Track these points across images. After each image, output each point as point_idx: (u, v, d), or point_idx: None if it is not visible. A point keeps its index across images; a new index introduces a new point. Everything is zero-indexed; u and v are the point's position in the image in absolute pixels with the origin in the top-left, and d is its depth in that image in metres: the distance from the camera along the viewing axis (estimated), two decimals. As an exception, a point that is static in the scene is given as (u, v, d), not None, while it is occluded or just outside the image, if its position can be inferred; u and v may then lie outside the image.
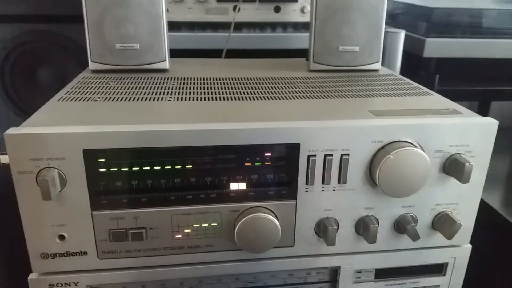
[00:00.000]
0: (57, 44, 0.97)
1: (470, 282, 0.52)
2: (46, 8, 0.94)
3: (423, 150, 0.43)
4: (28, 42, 0.96)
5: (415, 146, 0.43)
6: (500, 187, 0.64)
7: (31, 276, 0.45)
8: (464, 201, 0.47)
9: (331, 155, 0.43)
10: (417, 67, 0.96)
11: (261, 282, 0.49)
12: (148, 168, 0.42)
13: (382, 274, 0.50)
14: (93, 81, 0.58)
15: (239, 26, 0.86)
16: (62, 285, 0.45)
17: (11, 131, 0.39)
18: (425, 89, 0.58)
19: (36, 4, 0.93)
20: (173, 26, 0.82)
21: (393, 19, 1.13)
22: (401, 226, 0.47)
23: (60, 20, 0.95)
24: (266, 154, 0.43)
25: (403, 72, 0.84)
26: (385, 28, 0.68)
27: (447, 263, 0.50)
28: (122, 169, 0.42)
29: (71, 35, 0.96)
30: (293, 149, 0.43)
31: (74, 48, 0.96)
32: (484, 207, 0.56)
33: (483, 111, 1.25)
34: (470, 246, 0.50)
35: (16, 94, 0.99)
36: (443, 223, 0.47)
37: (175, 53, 0.67)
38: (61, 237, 0.43)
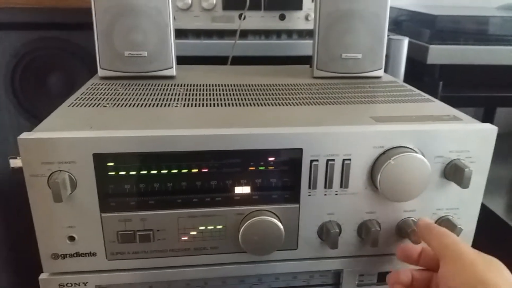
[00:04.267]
0: (66, 51, 0.99)
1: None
2: (55, 15, 0.96)
3: (424, 156, 0.44)
4: (37, 49, 0.98)
5: (416, 152, 0.44)
6: (502, 192, 0.65)
7: (42, 276, 0.46)
8: (464, 206, 0.48)
9: (333, 160, 0.44)
10: (421, 74, 0.97)
11: (265, 284, 0.50)
12: (155, 171, 0.43)
13: (384, 277, 0.51)
14: (102, 88, 0.59)
15: (245, 33, 0.87)
16: (71, 285, 0.46)
17: (24, 135, 0.41)
18: (427, 96, 0.59)
19: (45, 11, 0.95)
20: (180, 33, 0.84)
21: (397, 26, 1.14)
22: (403, 230, 0.47)
23: (69, 28, 0.97)
24: (270, 159, 0.45)
25: (407, 78, 0.85)
26: (389, 35, 0.69)
27: (448, 267, 0.51)
28: (131, 172, 0.43)
29: (79, 42, 0.98)
30: (296, 154, 0.44)
31: (82, 54, 0.98)
32: (485, 212, 0.57)
33: (488, 117, 1.25)
34: (471, 250, 0.51)
35: (26, 100, 1.01)
36: (445, 228, 0.47)
37: (181, 60, 0.69)
38: (71, 238, 0.44)
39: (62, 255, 0.45)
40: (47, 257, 0.45)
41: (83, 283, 0.46)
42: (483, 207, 0.56)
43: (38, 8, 0.94)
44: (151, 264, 0.46)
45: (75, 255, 0.45)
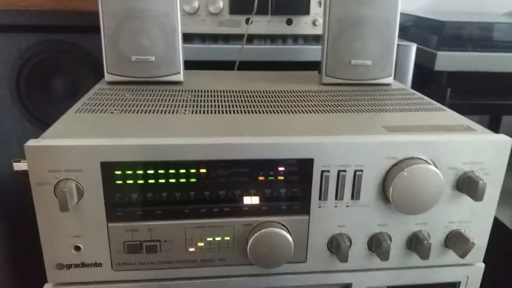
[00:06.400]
0: (72, 54, 0.99)
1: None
2: (61, 18, 0.95)
3: (437, 167, 0.43)
4: (42, 52, 0.97)
5: (429, 163, 0.43)
6: (510, 203, 0.64)
7: (46, 286, 0.45)
8: (477, 219, 0.47)
9: (345, 170, 0.44)
10: (428, 80, 0.96)
11: (272, 296, 0.49)
12: (163, 181, 0.43)
13: (394, 290, 0.50)
14: (109, 93, 0.58)
15: (250, 38, 0.86)
16: (76, 296, 0.45)
17: (31, 142, 0.40)
18: (438, 105, 0.58)
19: (51, 14, 0.95)
20: (186, 37, 0.83)
21: (404, 32, 1.13)
22: (414, 243, 0.47)
23: (75, 31, 0.97)
24: (280, 169, 0.44)
25: (414, 85, 0.84)
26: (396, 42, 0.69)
27: (459, 282, 0.50)
28: (138, 181, 0.42)
29: (84, 45, 0.98)
30: (307, 164, 0.43)
31: (88, 58, 0.98)
32: (498, 225, 0.56)
33: (494, 125, 1.24)
34: (483, 265, 0.50)
35: (31, 103, 1.00)
36: (456, 241, 0.47)
37: (188, 64, 0.68)
38: (77, 248, 0.44)
39: (67, 265, 0.44)
40: (51, 267, 0.44)
41: (88, 293, 0.46)
42: (495, 220, 0.55)
43: (44, 11, 0.94)
44: (157, 275, 0.46)
45: (80, 265, 0.44)
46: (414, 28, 1.13)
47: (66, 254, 0.44)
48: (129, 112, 0.50)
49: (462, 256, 0.46)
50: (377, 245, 0.46)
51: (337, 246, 0.45)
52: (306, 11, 0.87)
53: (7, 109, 0.98)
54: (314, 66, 0.78)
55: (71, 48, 0.98)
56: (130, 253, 0.44)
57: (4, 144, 0.95)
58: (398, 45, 0.83)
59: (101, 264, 0.44)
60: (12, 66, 0.95)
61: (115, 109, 0.51)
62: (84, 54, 0.98)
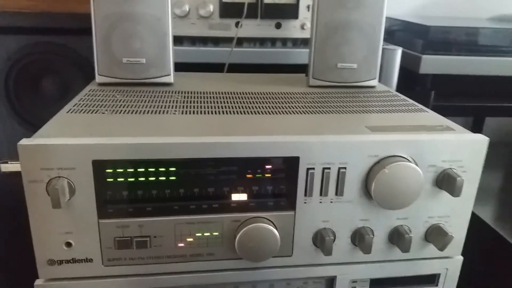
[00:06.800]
0: (62, 56, 0.99)
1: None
2: (51, 20, 0.96)
3: (417, 165, 0.45)
4: (32, 54, 0.98)
5: (409, 161, 0.45)
6: (490, 201, 0.66)
7: (37, 282, 0.46)
8: (455, 214, 0.49)
9: (329, 168, 0.45)
10: (413, 83, 0.99)
11: (260, 290, 0.51)
12: (153, 178, 0.44)
13: (376, 284, 0.52)
14: (100, 94, 0.60)
15: (239, 41, 0.88)
16: (67, 291, 0.46)
17: (24, 141, 0.41)
18: (420, 106, 0.60)
19: (41, 16, 0.95)
20: (177, 40, 0.84)
21: (390, 36, 1.16)
22: (395, 237, 0.48)
23: (65, 33, 0.97)
24: (267, 167, 0.45)
25: (400, 87, 0.87)
26: (382, 45, 0.71)
27: (439, 274, 0.52)
28: (129, 179, 0.44)
29: (75, 47, 0.98)
30: (293, 162, 0.45)
31: (79, 60, 0.98)
32: (475, 220, 0.58)
33: (477, 127, 1.27)
34: (461, 257, 0.52)
35: (20, 104, 1.01)
36: (436, 235, 0.48)
37: (178, 67, 0.70)
38: (68, 244, 0.45)
39: (59, 261, 0.45)
40: (43, 263, 0.45)
41: (79, 289, 0.47)
42: (473, 215, 0.57)
43: (34, 12, 0.95)
44: (147, 270, 0.47)
45: (71, 261, 0.45)
46: (401, 32, 1.16)
47: (58, 250, 0.45)
48: (120, 113, 0.52)
49: (441, 249, 0.48)
50: (360, 239, 0.47)
51: (321, 240, 0.47)
52: (294, 15, 0.89)
53: (-4, 111, 0.98)
54: (302, 68, 0.80)
55: (61, 50, 0.99)
56: (120, 249, 0.45)
57: (-8, 145, 0.95)
58: (384, 48, 0.85)
59: (92, 259, 0.45)
60: (1, 68, 0.95)
61: (106, 110, 0.52)
62: (74, 56, 0.98)
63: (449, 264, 0.52)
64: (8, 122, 1.01)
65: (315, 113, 0.54)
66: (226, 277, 0.48)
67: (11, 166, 0.92)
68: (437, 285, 0.53)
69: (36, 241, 0.44)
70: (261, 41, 0.92)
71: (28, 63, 0.98)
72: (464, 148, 0.47)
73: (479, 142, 0.47)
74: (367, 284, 0.52)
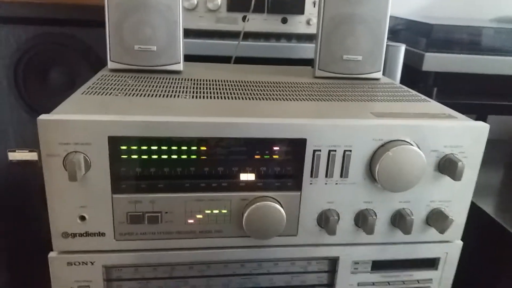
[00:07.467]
0: (70, 47, 1.01)
1: (460, 279, 0.56)
2: (61, 11, 0.98)
3: (420, 149, 0.47)
4: (41, 44, 0.99)
5: (412, 145, 0.47)
6: (491, 193, 0.68)
7: (51, 254, 0.48)
8: (456, 198, 0.51)
9: (335, 150, 0.47)
10: (416, 80, 1.00)
11: (264, 269, 0.52)
12: (166, 156, 0.46)
13: (378, 266, 0.53)
14: (112, 79, 0.61)
15: (245, 36, 0.90)
16: (79, 264, 0.48)
17: (43, 116, 0.43)
18: (423, 97, 0.62)
19: (51, 7, 0.97)
20: (184, 33, 0.86)
21: (395, 35, 1.18)
22: (398, 219, 0.50)
23: (74, 24, 0.99)
24: (275, 148, 0.47)
25: (403, 84, 0.88)
26: (386, 42, 0.73)
27: (439, 258, 0.54)
28: (142, 156, 0.45)
29: (84, 39, 1.00)
30: (300, 143, 0.47)
31: (87, 51, 1.00)
32: (476, 210, 0.60)
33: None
34: (461, 242, 0.53)
35: (28, 93, 1.02)
36: (437, 219, 0.50)
37: (185, 58, 0.71)
38: (82, 218, 0.46)
39: (72, 234, 0.47)
40: (57, 236, 0.47)
41: (91, 262, 0.48)
42: (475, 207, 0.59)
43: (44, 3, 0.96)
44: (157, 245, 0.48)
45: (84, 234, 0.47)
46: (405, 31, 1.18)
47: (72, 224, 0.46)
48: (132, 95, 0.53)
49: (442, 232, 0.49)
50: (363, 220, 0.49)
51: (326, 220, 0.48)
52: (301, 10, 0.91)
53: (4, 100, 1.00)
54: (307, 63, 0.82)
55: (70, 41, 1.00)
56: (132, 224, 0.47)
57: (-1, 134, 0.97)
58: (388, 45, 0.87)
59: (104, 233, 0.47)
60: (11, 57, 0.97)
61: (119, 93, 0.54)
62: (83, 47, 1.00)
63: (449, 248, 0.54)
64: (16, 111, 1.02)
65: (322, 100, 0.56)
66: (233, 254, 0.50)
67: (19, 155, 0.93)
68: (436, 269, 0.55)
69: (52, 214, 0.46)
70: (266, 37, 0.93)
71: (37, 53, 0.99)
72: (465, 134, 0.49)
73: (480, 129, 0.49)
74: (369, 266, 0.53)
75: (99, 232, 0.47)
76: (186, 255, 0.49)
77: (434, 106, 0.57)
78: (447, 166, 0.48)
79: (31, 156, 0.88)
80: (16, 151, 0.97)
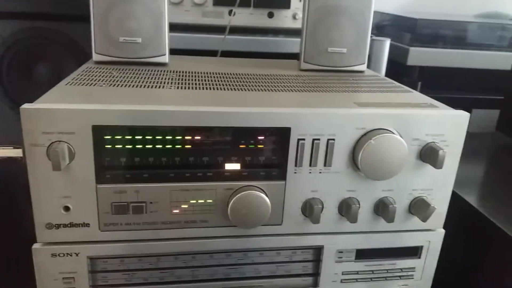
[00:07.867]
0: (55, 41, 1.00)
1: (442, 267, 0.57)
2: (46, 6, 0.97)
3: (402, 138, 0.48)
4: (26, 39, 0.98)
5: (394, 133, 0.48)
6: (473, 184, 0.69)
7: (35, 246, 0.47)
8: (438, 187, 0.52)
9: (319, 139, 0.48)
10: (401, 74, 1.02)
11: (250, 259, 0.53)
12: (150, 146, 0.46)
13: (362, 255, 0.54)
14: (97, 71, 0.61)
15: (231, 30, 0.90)
16: (63, 255, 0.48)
17: (27, 105, 0.43)
18: (406, 88, 0.62)
19: (35, 2, 0.96)
20: (170, 27, 0.86)
21: (380, 31, 1.19)
22: (381, 208, 0.51)
23: (59, 18, 0.98)
24: (260, 137, 0.47)
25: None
26: (371, 37, 0.73)
27: (422, 246, 0.55)
28: (127, 146, 0.45)
29: (69, 33, 0.99)
30: (284, 132, 0.47)
31: (72, 46, 0.99)
32: (458, 199, 0.61)
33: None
34: (443, 230, 0.54)
35: (13, 89, 1.01)
36: (419, 207, 0.51)
37: (172, 53, 0.71)
38: (66, 209, 0.46)
39: (56, 225, 0.47)
40: (41, 227, 0.46)
41: (75, 253, 0.48)
42: (457, 197, 0.60)
43: (31, -2, 0.95)
44: (142, 236, 0.48)
45: (69, 225, 0.47)
46: (390, 26, 1.19)
47: (56, 214, 0.46)
48: (117, 86, 0.53)
49: (424, 220, 0.50)
50: (346, 209, 0.50)
51: (310, 209, 0.49)
52: (287, 5, 0.91)
53: (-12, 94, 0.98)
54: (294, 58, 0.82)
55: (55, 36, 0.99)
56: (117, 214, 0.47)
57: (-18, 129, 0.95)
58: (373, 39, 0.88)
59: (89, 224, 0.47)
60: (-6, 52, 0.95)
61: (104, 84, 0.54)
62: (68, 42, 0.99)
63: (432, 237, 0.54)
64: (0, 106, 1.01)
65: (306, 91, 0.57)
66: (219, 244, 0.50)
67: (3, 152, 0.92)
68: (419, 258, 0.55)
69: (36, 205, 0.46)
70: (252, 31, 0.93)
71: (22, 48, 0.98)
72: (446, 123, 0.49)
73: (461, 117, 0.50)
74: (353, 255, 0.54)
75: (83, 223, 0.47)
76: (171, 245, 0.49)
77: (416, 96, 0.58)
78: (429, 154, 0.49)
79: (16, 153, 0.87)
80: (0, 148, 0.96)
